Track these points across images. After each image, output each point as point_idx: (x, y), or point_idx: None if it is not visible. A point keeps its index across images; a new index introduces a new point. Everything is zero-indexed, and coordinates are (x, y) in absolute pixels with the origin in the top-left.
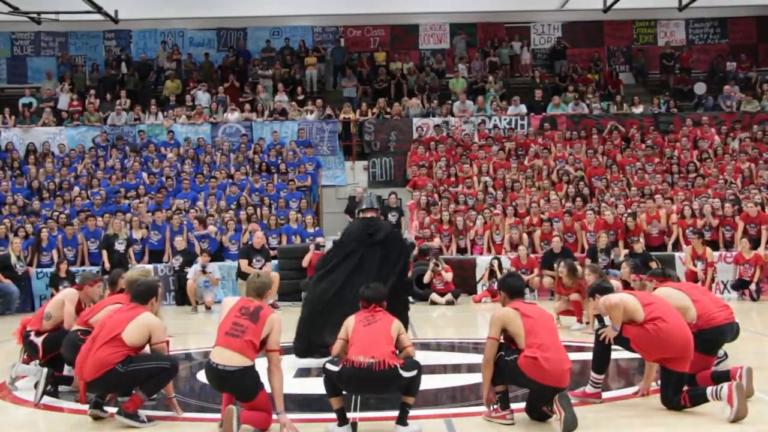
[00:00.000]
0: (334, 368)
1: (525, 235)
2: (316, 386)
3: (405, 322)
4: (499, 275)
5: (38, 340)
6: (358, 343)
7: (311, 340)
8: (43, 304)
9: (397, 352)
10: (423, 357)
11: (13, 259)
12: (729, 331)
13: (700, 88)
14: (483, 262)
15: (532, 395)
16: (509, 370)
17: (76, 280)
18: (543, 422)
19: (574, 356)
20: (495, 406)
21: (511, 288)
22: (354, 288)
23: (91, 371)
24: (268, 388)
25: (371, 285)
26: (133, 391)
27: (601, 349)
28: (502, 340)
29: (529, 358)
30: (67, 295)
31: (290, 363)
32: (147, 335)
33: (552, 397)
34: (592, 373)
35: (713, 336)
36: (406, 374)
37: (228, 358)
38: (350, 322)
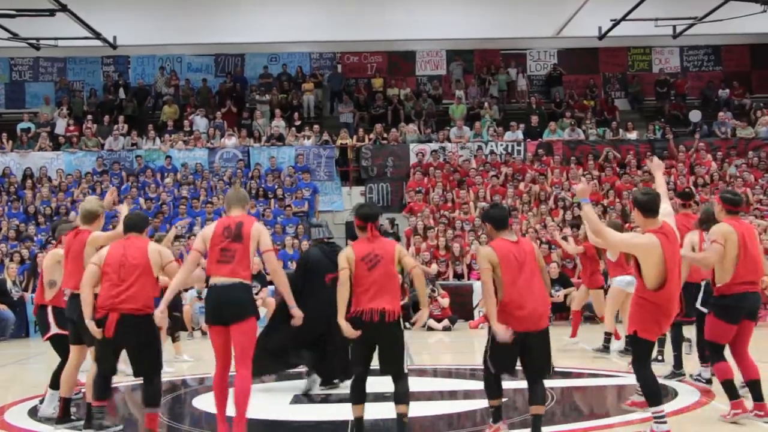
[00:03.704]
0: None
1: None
2: (313, 413)
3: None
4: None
5: (52, 322)
6: (368, 291)
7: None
8: (40, 277)
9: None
10: (420, 384)
11: (9, 285)
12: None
13: (695, 115)
14: (480, 287)
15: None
16: (494, 341)
17: (53, 234)
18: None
19: (587, 382)
20: (488, 422)
21: (496, 219)
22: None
23: (130, 304)
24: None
25: (366, 203)
26: (146, 410)
27: (649, 381)
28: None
29: (506, 315)
30: (54, 255)
31: (285, 389)
32: (159, 258)
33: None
34: (651, 408)
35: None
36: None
37: (226, 280)
38: (351, 256)
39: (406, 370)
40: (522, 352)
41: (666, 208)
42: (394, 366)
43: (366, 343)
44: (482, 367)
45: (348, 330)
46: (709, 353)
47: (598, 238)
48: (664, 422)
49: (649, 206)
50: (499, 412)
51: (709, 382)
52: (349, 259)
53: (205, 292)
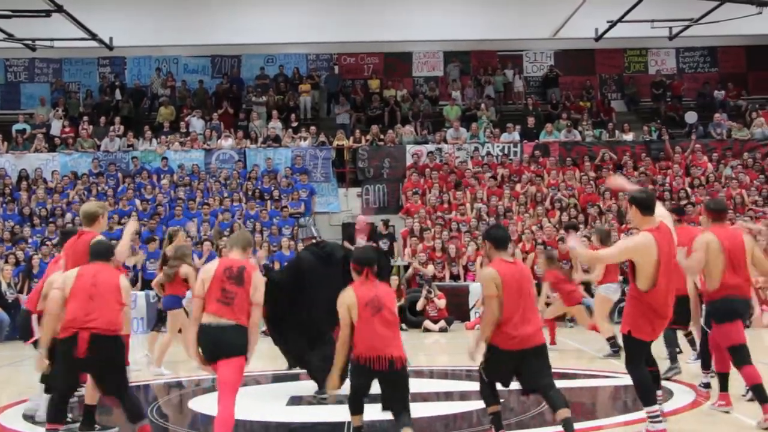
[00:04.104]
0: (351, 367)
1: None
2: (307, 414)
3: None
4: None
5: (36, 328)
6: (371, 339)
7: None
8: (38, 284)
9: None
10: (416, 385)
11: (3, 287)
12: None
13: (691, 117)
14: (476, 288)
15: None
16: (491, 357)
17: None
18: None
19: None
20: (491, 428)
21: (496, 239)
22: (316, 317)
23: (102, 324)
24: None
25: (362, 248)
26: (135, 426)
27: (643, 380)
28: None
29: (503, 335)
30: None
31: (281, 391)
32: (128, 290)
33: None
34: (646, 409)
35: None
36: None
37: (222, 321)
38: (352, 303)
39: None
40: (519, 368)
41: (661, 210)
42: (399, 405)
43: (369, 380)
44: (478, 374)
45: (335, 384)
46: (734, 360)
47: (598, 264)
48: (659, 421)
49: (646, 204)
50: (500, 419)
51: (707, 386)
52: (350, 306)
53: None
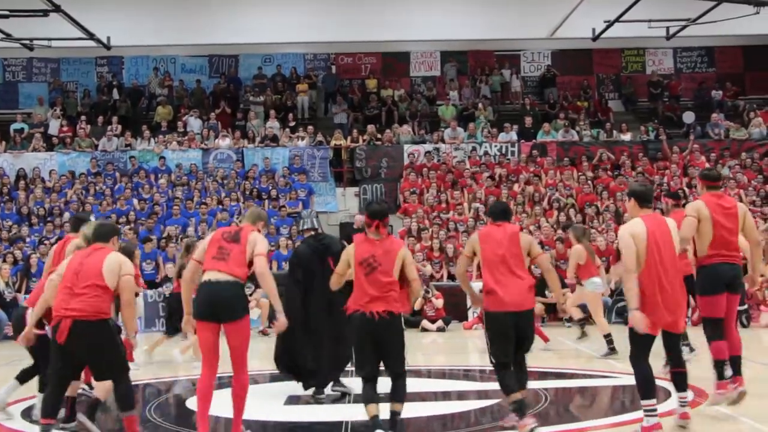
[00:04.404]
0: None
1: None
2: (305, 414)
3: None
4: None
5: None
6: (365, 296)
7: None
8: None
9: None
10: (414, 385)
11: (2, 286)
12: None
13: (688, 117)
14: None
15: (498, 331)
16: (486, 321)
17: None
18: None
19: (582, 382)
20: (513, 417)
21: (492, 212)
22: (312, 307)
23: (81, 311)
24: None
25: (376, 201)
26: (120, 415)
27: (643, 373)
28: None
29: (488, 294)
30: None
31: (279, 390)
32: (118, 269)
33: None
34: (643, 402)
35: None
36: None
37: (220, 276)
38: (351, 257)
39: (405, 369)
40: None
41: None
42: (394, 362)
43: (367, 341)
44: (489, 367)
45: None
46: (706, 331)
47: (629, 271)
48: (654, 416)
49: (645, 196)
50: (522, 406)
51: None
52: (350, 259)
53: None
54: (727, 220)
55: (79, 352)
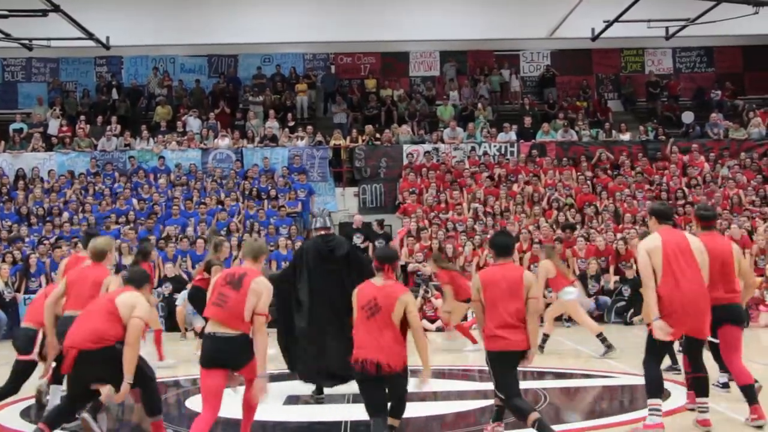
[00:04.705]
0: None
1: (516, 260)
2: (304, 414)
3: None
4: None
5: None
6: (362, 337)
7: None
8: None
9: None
10: (413, 384)
11: (1, 286)
12: None
13: (687, 117)
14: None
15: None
16: (491, 361)
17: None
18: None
19: (580, 382)
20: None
21: (498, 246)
22: (316, 308)
23: (87, 340)
24: None
25: (383, 246)
26: (148, 419)
27: (652, 375)
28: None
29: (490, 338)
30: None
31: (279, 390)
32: (132, 307)
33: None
34: (649, 400)
35: None
36: (404, 379)
37: (220, 327)
38: (354, 300)
39: (407, 393)
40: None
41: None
42: (396, 406)
43: (371, 387)
44: (488, 367)
45: None
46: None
47: (648, 283)
48: (658, 415)
49: (665, 214)
50: (543, 424)
51: (725, 386)
52: (354, 304)
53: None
54: (723, 262)
55: (88, 379)
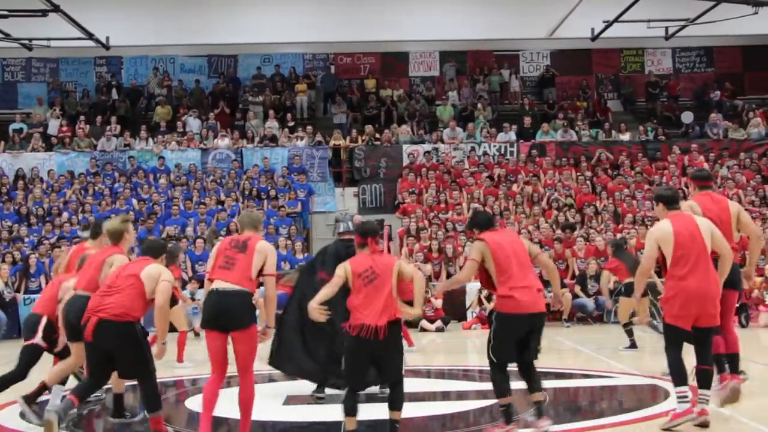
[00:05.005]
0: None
1: None
2: (303, 414)
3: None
4: (486, 304)
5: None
6: (365, 306)
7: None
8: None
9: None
10: (413, 385)
11: (1, 286)
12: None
13: (687, 117)
14: (472, 289)
15: (511, 330)
16: (497, 321)
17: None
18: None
19: (579, 382)
20: (500, 422)
21: (482, 223)
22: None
23: (111, 311)
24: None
25: (367, 221)
26: (146, 415)
27: (673, 363)
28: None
29: (504, 298)
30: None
31: (278, 390)
32: (158, 276)
33: (531, 328)
34: (675, 389)
35: None
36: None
37: (227, 285)
38: (348, 270)
39: (402, 377)
40: (525, 337)
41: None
42: (391, 375)
43: (363, 355)
44: (488, 367)
45: (316, 314)
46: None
47: (646, 270)
48: (687, 402)
49: (671, 199)
50: (510, 411)
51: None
52: (347, 272)
53: (199, 293)
54: (723, 219)
55: (103, 349)
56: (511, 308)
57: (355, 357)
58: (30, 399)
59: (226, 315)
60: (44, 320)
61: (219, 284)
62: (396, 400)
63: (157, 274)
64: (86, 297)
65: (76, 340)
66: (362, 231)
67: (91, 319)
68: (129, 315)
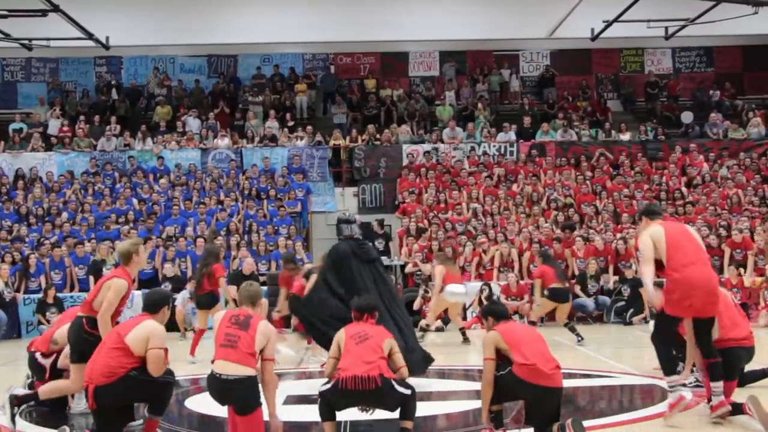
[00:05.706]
0: (328, 387)
1: (515, 259)
2: (305, 414)
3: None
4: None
5: (46, 362)
6: (350, 360)
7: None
8: (51, 327)
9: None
10: (413, 384)
11: (1, 286)
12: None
13: (687, 116)
14: (472, 288)
15: (532, 406)
16: (506, 382)
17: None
18: None
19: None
20: (489, 426)
21: (497, 313)
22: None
23: (100, 375)
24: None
25: (363, 296)
26: (146, 415)
27: (662, 352)
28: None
29: (522, 366)
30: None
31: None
32: (146, 340)
33: (549, 403)
34: (667, 378)
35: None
36: (400, 389)
37: (230, 368)
38: (341, 337)
39: (413, 391)
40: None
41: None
42: (395, 407)
43: (350, 402)
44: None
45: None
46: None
47: (647, 265)
48: (720, 395)
49: (652, 210)
50: (501, 417)
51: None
52: (339, 342)
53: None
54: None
55: (110, 405)
56: (528, 376)
57: (341, 404)
58: (19, 400)
59: (232, 401)
60: (38, 355)
61: (221, 367)
62: (408, 411)
63: (145, 338)
64: (83, 317)
65: (74, 362)
66: (358, 308)
67: (87, 388)
68: (117, 373)
